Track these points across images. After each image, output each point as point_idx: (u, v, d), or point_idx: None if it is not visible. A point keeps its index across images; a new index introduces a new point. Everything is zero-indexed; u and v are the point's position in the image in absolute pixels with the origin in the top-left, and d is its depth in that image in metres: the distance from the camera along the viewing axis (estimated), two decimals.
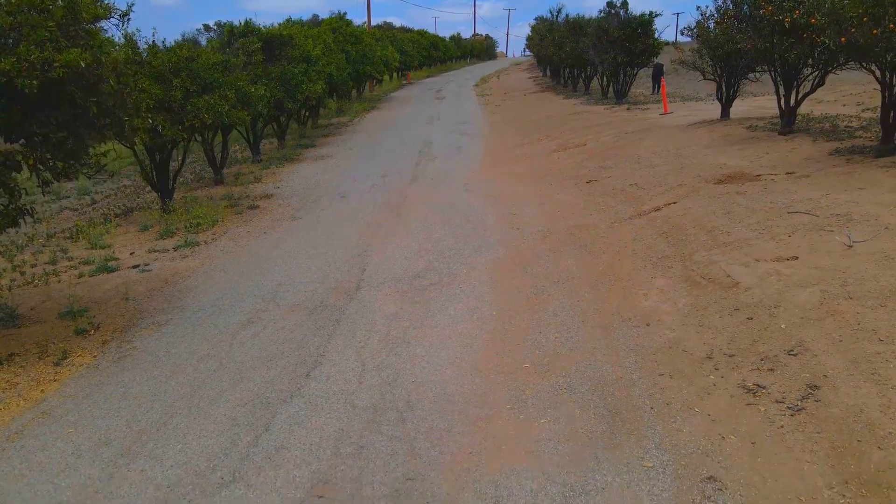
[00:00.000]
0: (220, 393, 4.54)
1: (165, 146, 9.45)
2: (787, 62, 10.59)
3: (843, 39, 7.91)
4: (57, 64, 4.39)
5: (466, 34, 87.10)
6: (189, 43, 9.64)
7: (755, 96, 18.48)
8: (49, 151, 4.82)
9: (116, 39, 6.19)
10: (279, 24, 16.68)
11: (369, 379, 4.61)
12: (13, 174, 4.84)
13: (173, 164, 10.69)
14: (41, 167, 4.86)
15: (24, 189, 5.14)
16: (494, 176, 12.17)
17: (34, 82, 4.30)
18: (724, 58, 12.76)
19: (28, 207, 5.07)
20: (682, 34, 13.33)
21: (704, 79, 14.20)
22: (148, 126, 6.19)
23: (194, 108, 8.98)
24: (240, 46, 11.92)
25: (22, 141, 4.93)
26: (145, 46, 9.18)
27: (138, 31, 13.15)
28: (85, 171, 5.15)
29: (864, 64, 8.66)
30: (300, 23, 19.03)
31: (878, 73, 8.47)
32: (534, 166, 12.97)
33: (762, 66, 12.14)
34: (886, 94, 8.44)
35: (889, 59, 8.01)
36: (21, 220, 5.09)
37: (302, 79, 14.32)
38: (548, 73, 38.33)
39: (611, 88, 21.85)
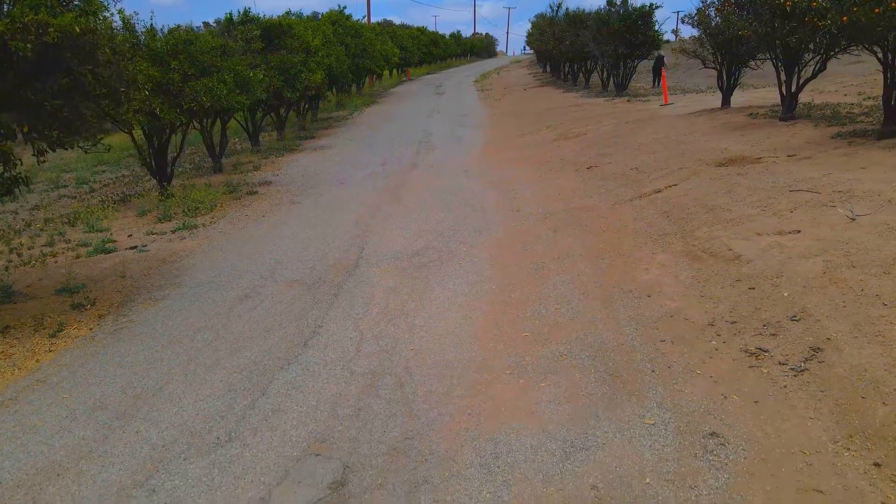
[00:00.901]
0: (216, 361, 4.50)
1: (163, 130, 9.40)
2: (788, 47, 10.52)
3: (844, 19, 7.86)
4: (51, 28, 4.35)
5: (466, 33, 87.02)
6: (187, 27, 9.58)
7: (755, 88, 18.44)
8: (43, 120, 4.76)
9: (113, 10, 6.10)
10: (278, 17, 16.64)
11: (367, 347, 4.56)
12: (8, 142, 4.78)
13: (171, 155, 10.65)
14: (35, 136, 4.81)
15: (20, 160, 5.09)
16: (494, 163, 12.12)
17: (28, 45, 4.26)
18: (725, 45, 12.70)
19: (23, 177, 5.02)
20: (683, 22, 13.27)
21: (705, 66, 14.15)
22: (144, 97, 6.12)
23: (192, 91, 8.93)
24: (238, 34, 11.87)
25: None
26: (143, 30, 9.13)
27: (136, 13, 13.04)
28: (81, 142, 5.09)
29: (867, 45, 8.61)
30: (299, 15, 18.97)
31: (879, 53, 8.41)
32: (534, 154, 12.92)
33: (763, 54, 12.08)
34: (888, 75, 8.39)
35: (891, 38, 7.95)
36: (16, 190, 5.04)
37: (301, 68, 14.27)
38: (548, 68, 38.29)
39: (611, 81, 21.80)
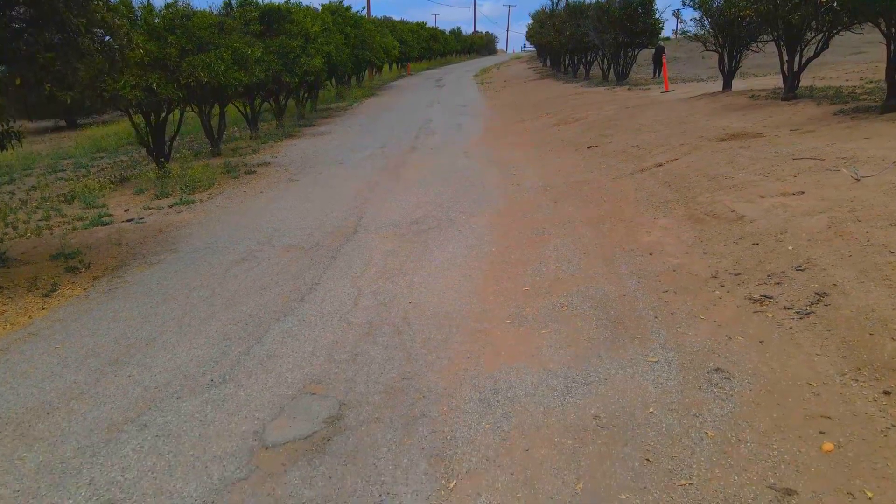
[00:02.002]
0: (211, 314, 4.43)
1: (161, 106, 9.32)
2: (790, 25, 10.45)
3: None
4: None
5: (466, 31, 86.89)
6: (185, 3, 9.48)
7: (756, 76, 18.38)
8: (35, 73, 4.69)
9: None
10: (278, 3, 16.55)
11: (365, 301, 4.49)
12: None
13: (169, 135, 10.58)
14: (27, 90, 4.74)
15: (12, 117, 5.01)
16: (494, 146, 12.04)
17: None
18: (726, 26, 12.62)
19: (16, 132, 4.94)
20: (684, 5, 13.18)
21: (706, 49, 14.06)
22: (140, 56, 6.03)
23: (190, 66, 8.85)
24: (237, 15, 11.79)
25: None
26: (140, 5, 9.06)
27: None
28: (72, 93, 5.00)
29: (870, 19, 8.53)
30: (298, 4, 18.86)
31: (883, 25, 8.33)
32: (534, 138, 12.84)
33: (765, 35, 12.01)
34: (892, 48, 8.30)
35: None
36: (8, 144, 4.96)
37: (300, 53, 14.19)
38: (548, 62, 38.23)
39: (611, 71, 21.72)
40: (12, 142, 4.95)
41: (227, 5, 13.75)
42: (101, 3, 4.84)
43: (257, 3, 13.99)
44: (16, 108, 5.57)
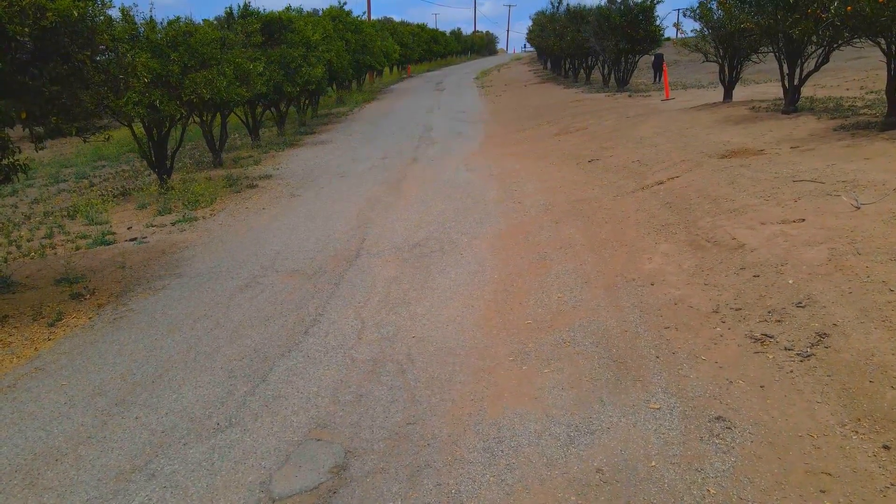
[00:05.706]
0: (216, 349, 4.46)
1: (163, 122, 9.34)
2: (791, 39, 10.47)
3: (849, 8, 7.81)
4: (49, 12, 4.30)
5: (467, 31, 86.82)
6: (187, 19, 9.50)
7: (757, 83, 18.38)
8: (41, 106, 4.72)
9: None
10: (279, 11, 16.58)
11: (369, 335, 4.53)
12: (5, 129, 4.74)
13: (171, 148, 10.59)
14: (34, 122, 4.76)
15: (18, 147, 5.04)
16: (495, 157, 12.08)
17: (26, 29, 4.21)
18: (727, 38, 12.64)
19: (21, 164, 4.97)
20: (685, 16, 13.20)
21: (707, 60, 14.08)
22: (143, 87, 6.06)
23: (192, 83, 8.87)
24: (238, 27, 11.80)
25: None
26: (142, 22, 9.08)
27: (136, 5, 12.94)
28: (78, 125, 5.03)
29: (870, 37, 8.55)
30: (299, 11, 18.90)
31: (883, 44, 8.35)
32: (535, 148, 12.87)
33: (765, 47, 12.03)
34: (892, 66, 8.33)
35: None
36: (14, 178, 4.99)
37: (301, 63, 14.21)
38: (548, 65, 38.23)
39: (612, 77, 21.74)
40: (18, 175, 4.98)
41: (229, 15, 13.77)
42: (105, 35, 4.86)
43: (259, 13, 14.01)
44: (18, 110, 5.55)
